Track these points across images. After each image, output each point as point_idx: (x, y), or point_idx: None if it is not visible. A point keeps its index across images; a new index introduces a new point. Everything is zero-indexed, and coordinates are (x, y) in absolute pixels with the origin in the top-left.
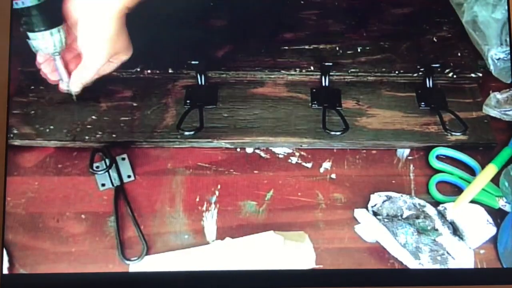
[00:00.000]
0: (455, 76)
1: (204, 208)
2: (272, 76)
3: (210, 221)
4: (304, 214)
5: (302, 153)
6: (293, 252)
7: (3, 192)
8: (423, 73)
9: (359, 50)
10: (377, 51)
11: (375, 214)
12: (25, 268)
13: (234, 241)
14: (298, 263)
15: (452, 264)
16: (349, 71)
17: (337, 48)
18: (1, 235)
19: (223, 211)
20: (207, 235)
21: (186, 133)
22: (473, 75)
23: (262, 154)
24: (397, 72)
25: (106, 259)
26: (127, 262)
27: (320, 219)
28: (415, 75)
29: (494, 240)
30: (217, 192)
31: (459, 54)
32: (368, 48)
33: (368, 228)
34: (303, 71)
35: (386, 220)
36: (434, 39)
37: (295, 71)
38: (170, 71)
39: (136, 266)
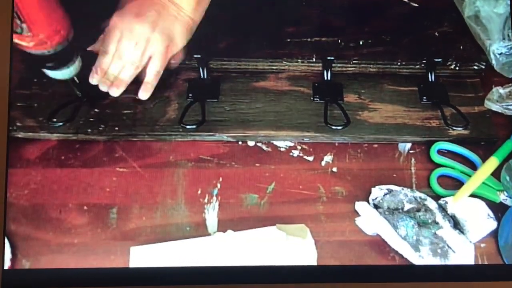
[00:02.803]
0: (457, 68)
1: (205, 201)
2: (274, 67)
3: (211, 214)
4: (305, 207)
5: (304, 146)
6: (295, 248)
7: (5, 183)
8: (425, 65)
9: (361, 43)
10: (379, 44)
11: (376, 207)
12: (27, 258)
13: (236, 233)
14: (300, 258)
15: (453, 257)
16: (352, 62)
17: (339, 41)
18: (3, 228)
19: (225, 204)
20: (208, 228)
21: (188, 126)
22: (475, 67)
23: (264, 147)
24: (399, 63)
25: (108, 250)
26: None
27: (321, 212)
28: (417, 66)
29: (495, 234)
30: (218, 185)
31: (461, 48)
32: (370, 41)
33: (369, 221)
34: (305, 61)
35: (386, 213)
36: (436, 33)
37: (297, 61)
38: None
39: (137, 259)
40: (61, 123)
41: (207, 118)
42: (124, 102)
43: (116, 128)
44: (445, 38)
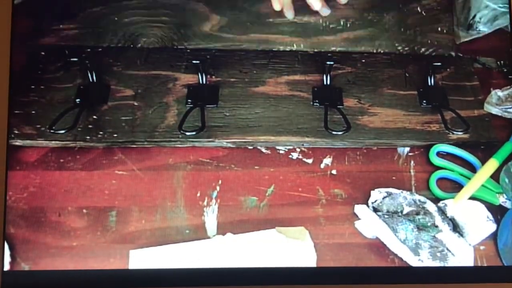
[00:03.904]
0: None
1: (205, 203)
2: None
3: (211, 216)
4: (304, 210)
5: (303, 149)
6: (295, 250)
7: (4, 185)
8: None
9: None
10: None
11: (375, 210)
12: (27, 262)
13: (235, 236)
14: (299, 261)
15: (452, 261)
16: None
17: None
18: (3, 231)
19: (224, 206)
20: (208, 230)
21: (188, 133)
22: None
23: (263, 149)
24: (380, 51)
25: (107, 253)
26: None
27: (321, 215)
28: (399, 48)
29: (494, 236)
30: (218, 187)
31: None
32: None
33: (368, 224)
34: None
35: (386, 216)
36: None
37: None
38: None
39: (137, 262)
40: (62, 131)
41: (207, 124)
42: (123, 108)
43: (115, 135)
44: (428, 15)
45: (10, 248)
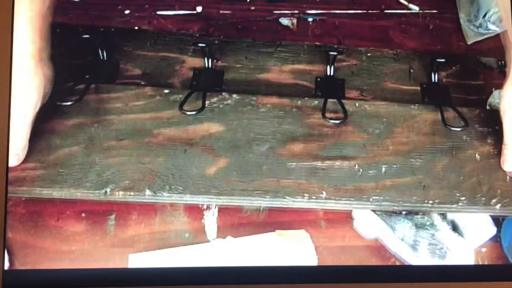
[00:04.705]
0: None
1: (205, 207)
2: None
3: (211, 220)
4: (305, 213)
5: None
6: (295, 254)
7: (5, 190)
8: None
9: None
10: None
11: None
12: (25, 266)
13: (236, 240)
14: (300, 264)
15: (451, 258)
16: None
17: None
18: (3, 230)
19: (224, 210)
20: (207, 234)
21: (188, 113)
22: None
23: None
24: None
25: (107, 257)
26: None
27: (321, 218)
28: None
29: (494, 238)
30: None
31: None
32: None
33: (368, 223)
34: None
35: (384, 215)
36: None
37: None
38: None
39: (136, 266)
40: (69, 103)
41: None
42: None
43: None
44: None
45: (9, 253)
